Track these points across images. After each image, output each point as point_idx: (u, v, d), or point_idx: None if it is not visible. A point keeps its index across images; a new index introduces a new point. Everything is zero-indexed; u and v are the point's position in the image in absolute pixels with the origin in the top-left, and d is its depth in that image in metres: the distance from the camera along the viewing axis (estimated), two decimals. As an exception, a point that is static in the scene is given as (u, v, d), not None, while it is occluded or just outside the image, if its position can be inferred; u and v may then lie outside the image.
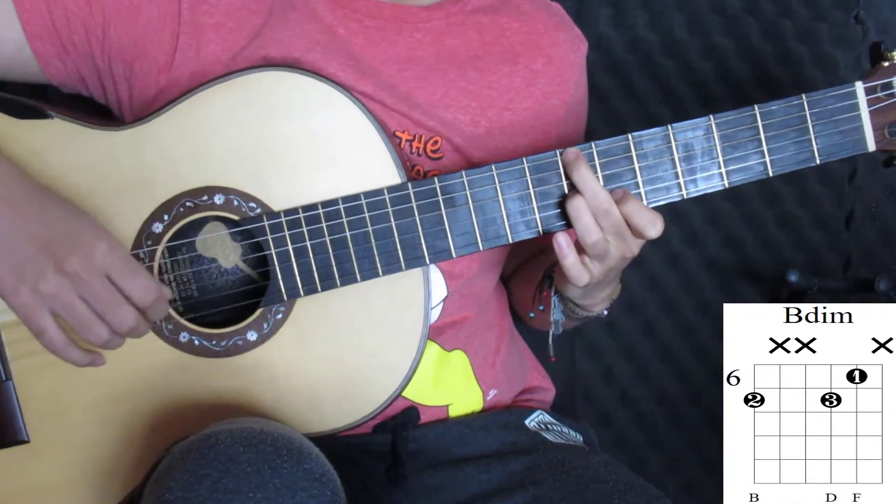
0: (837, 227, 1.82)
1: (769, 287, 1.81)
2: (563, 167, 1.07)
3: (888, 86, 1.04)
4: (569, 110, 1.26)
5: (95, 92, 1.19)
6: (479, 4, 1.22)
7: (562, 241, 1.06)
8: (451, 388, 1.23)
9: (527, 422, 1.27)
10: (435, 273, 1.19)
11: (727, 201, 1.78)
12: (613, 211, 1.05)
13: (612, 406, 1.83)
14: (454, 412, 1.23)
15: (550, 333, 1.20)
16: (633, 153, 1.06)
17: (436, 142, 1.19)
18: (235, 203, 1.10)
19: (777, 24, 1.73)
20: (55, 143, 1.12)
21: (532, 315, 1.25)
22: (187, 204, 1.11)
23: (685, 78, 1.74)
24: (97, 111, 1.22)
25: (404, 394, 1.18)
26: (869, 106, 1.05)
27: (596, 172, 1.07)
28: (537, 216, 1.08)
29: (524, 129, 1.23)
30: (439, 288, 1.21)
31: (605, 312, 1.19)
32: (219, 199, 1.10)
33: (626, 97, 1.72)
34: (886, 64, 1.04)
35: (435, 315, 1.20)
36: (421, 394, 1.21)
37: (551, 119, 1.24)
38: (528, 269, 1.31)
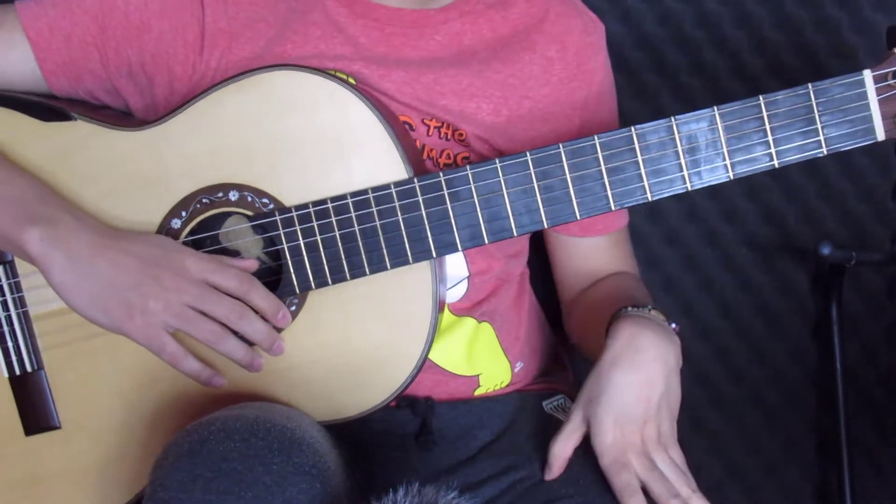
0: (883, 199, 1.77)
1: (811, 263, 1.78)
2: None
3: (900, 73, 1.02)
4: (589, 94, 1.27)
5: (113, 103, 1.24)
6: (491, 1, 1.24)
7: None
8: (481, 358, 1.26)
9: (544, 404, 1.29)
10: (456, 253, 1.21)
11: (766, 175, 1.75)
12: None
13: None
14: (484, 382, 1.26)
15: None
16: (637, 146, 1.06)
17: (461, 133, 1.21)
18: (249, 199, 1.13)
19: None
20: (79, 144, 1.16)
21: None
22: (203, 200, 1.14)
23: (718, 50, 1.71)
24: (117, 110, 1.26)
25: (440, 362, 1.22)
26: (878, 94, 1.02)
27: (599, 165, 1.07)
28: (541, 209, 1.09)
29: (545, 116, 1.24)
30: (459, 267, 1.23)
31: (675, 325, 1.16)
32: (233, 196, 1.13)
33: (656, 71, 1.69)
34: (898, 51, 1.02)
35: (460, 292, 1.24)
36: (454, 364, 1.24)
37: (572, 104, 1.26)
38: (588, 314, 1.30)
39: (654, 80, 1.69)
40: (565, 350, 1.43)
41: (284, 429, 1.00)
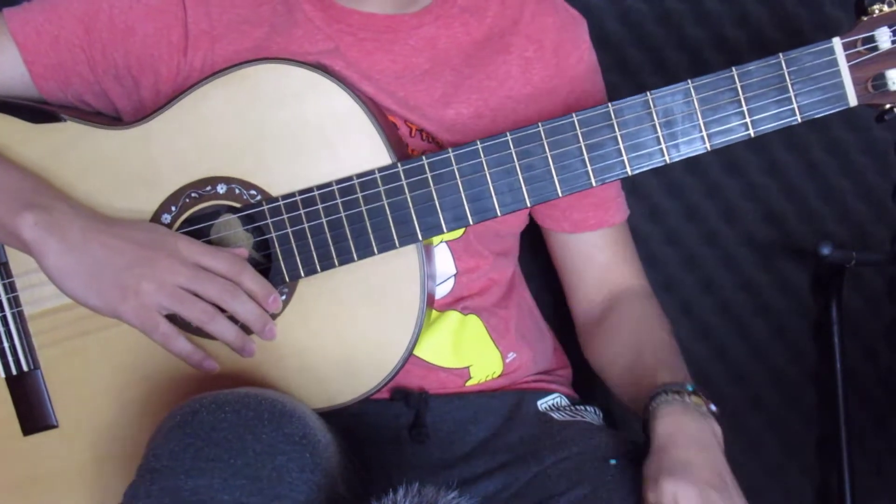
0: (883, 199, 1.77)
1: (811, 263, 1.78)
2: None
3: (869, 39, 1.02)
4: (572, 90, 1.27)
5: (102, 107, 1.26)
6: (466, 4, 1.24)
7: None
8: (470, 350, 1.26)
9: (539, 403, 1.29)
10: (443, 250, 1.23)
11: (766, 174, 1.75)
12: None
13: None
14: (476, 373, 1.26)
15: None
16: (614, 121, 1.07)
17: (440, 143, 1.23)
18: (237, 191, 1.15)
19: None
20: (69, 144, 1.18)
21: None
22: (192, 194, 1.16)
23: (718, 50, 1.72)
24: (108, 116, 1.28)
25: (427, 358, 1.23)
26: (849, 61, 1.03)
27: (578, 142, 1.08)
28: (524, 188, 1.10)
29: (529, 115, 1.24)
30: (447, 264, 1.24)
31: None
32: (221, 189, 1.15)
33: (656, 71, 1.71)
34: (867, 18, 1.03)
35: (446, 289, 1.25)
36: (441, 357, 1.24)
37: (554, 101, 1.26)
38: (623, 375, 1.26)
39: (654, 80, 1.70)
40: (564, 349, 1.44)
41: (275, 401, 1.01)
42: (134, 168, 1.17)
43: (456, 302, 1.26)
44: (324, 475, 1.00)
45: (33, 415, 1.19)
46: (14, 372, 1.19)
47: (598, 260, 1.32)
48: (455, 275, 1.25)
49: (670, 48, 1.70)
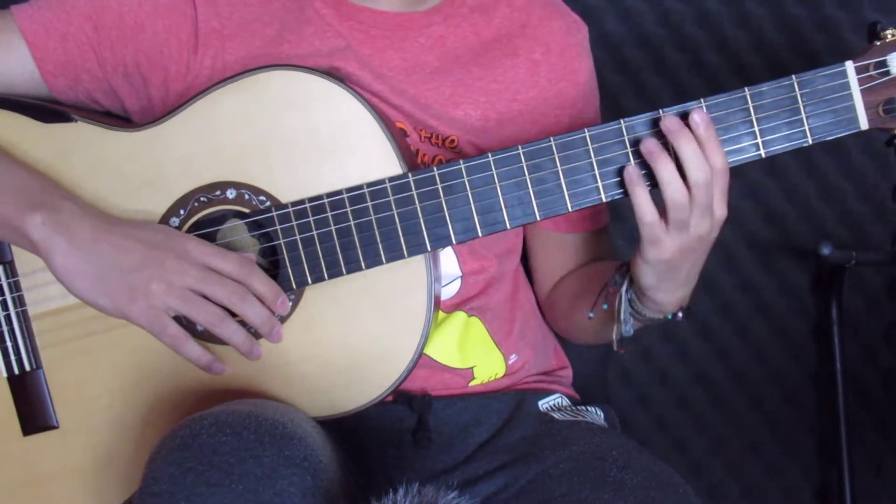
0: (883, 199, 1.78)
1: (811, 263, 1.79)
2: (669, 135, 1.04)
3: (881, 64, 1.03)
4: (577, 93, 1.28)
5: (111, 106, 1.26)
6: (475, 4, 1.25)
7: (642, 199, 1.05)
8: (475, 351, 1.27)
9: (540, 403, 1.30)
10: (448, 253, 1.24)
11: (766, 175, 1.76)
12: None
13: (650, 388, 1.82)
14: (479, 374, 1.27)
15: (616, 330, 1.18)
16: (626, 138, 1.07)
17: (452, 140, 1.23)
18: (246, 197, 1.15)
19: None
20: (79, 145, 1.18)
21: (591, 315, 1.21)
22: (201, 199, 1.15)
23: (718, 49, 1.72)
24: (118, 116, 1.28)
25: (434, 356, 1.23)
26: (861, 85, 1.03)
27: (590, 158, 1.08)
28: (534, 202, 1.10)
29: (535, 117, 1.26)
30: (452, 267, 1.25)
31: (680, 315, 1.18)
32: (231, 194, 1.15)
33: (656, 71, 1.71)
34: (879, 43, 1.03)
35: (453, 290, 1.25)
36: (447, 357, 1.25)
37: (561, 103, 1.27)
38: (580, 280, 1.31)
39: (654, 80, 1.71)
40: (564, 349, 1.44)
41: (276, 423, 1.00)
42: (143, 171, 1.16)
43: (463, 303, 1.27)
44: (325, 497, 1.00)
45: (34, 415, 1.19)
46: (16, 371, 1.19)
47: (587, 256, 1.34)
48: (461, 276, 1.26)
49: (670, 48, 1.70)
